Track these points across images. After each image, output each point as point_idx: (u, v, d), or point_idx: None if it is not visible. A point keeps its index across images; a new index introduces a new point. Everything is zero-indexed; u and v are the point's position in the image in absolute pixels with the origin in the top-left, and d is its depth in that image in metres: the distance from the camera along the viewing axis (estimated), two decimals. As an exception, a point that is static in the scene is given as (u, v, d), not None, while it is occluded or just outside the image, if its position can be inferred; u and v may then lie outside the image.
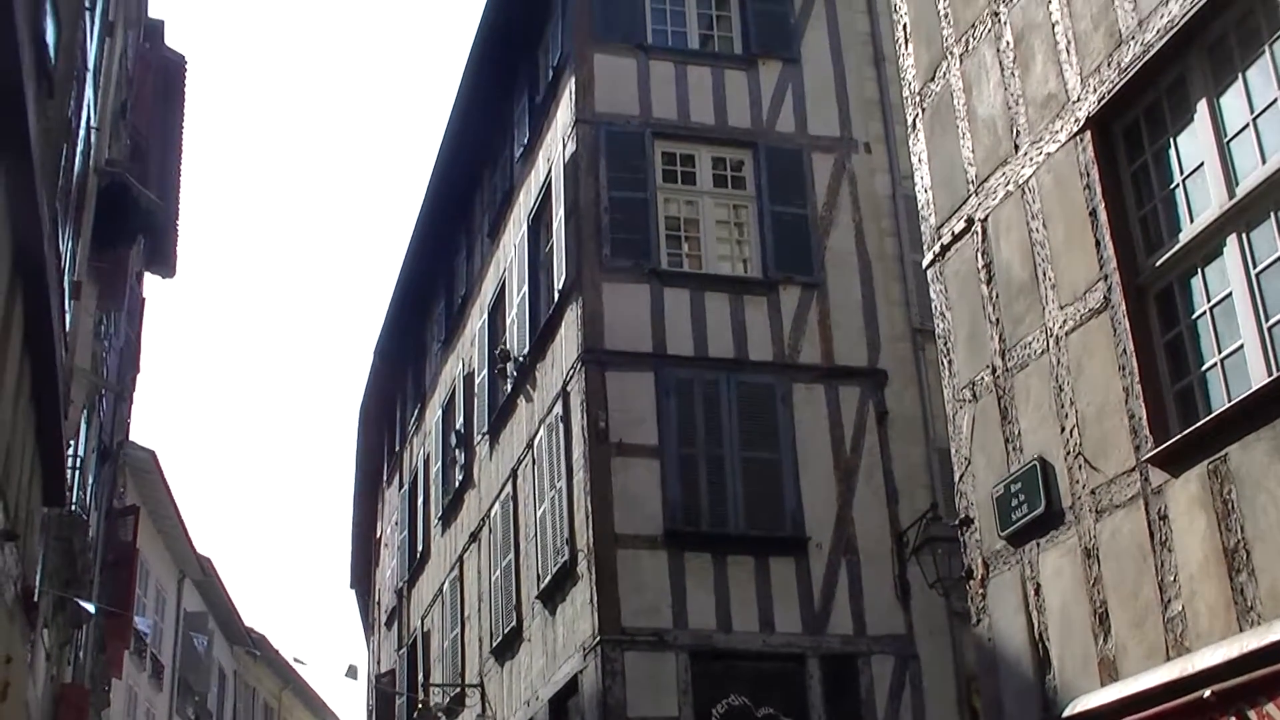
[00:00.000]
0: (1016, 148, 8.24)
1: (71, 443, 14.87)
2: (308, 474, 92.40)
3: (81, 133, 12.28)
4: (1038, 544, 7.76)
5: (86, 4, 11.00)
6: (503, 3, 18.93)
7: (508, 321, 19.07)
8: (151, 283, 25.66)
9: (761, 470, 15.25)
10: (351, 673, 22.48)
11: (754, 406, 15.49)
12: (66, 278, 12.04)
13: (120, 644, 23.87)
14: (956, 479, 8.72)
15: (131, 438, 27.20)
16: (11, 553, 11.30)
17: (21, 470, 11.50)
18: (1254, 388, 6.27)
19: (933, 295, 9.22)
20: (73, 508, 15.64)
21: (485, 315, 20.46)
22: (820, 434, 15.63)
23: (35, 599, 13.48)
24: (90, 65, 12.08)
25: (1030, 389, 7.94)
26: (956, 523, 8.77)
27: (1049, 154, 7.91)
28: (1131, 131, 7.49)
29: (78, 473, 16.29)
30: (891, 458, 15.79)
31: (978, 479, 8.42)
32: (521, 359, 17.91)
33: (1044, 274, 7.88)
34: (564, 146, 16.74)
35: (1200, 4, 6.70)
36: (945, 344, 9.00)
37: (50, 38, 8.90)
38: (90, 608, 17.63)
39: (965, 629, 13.06)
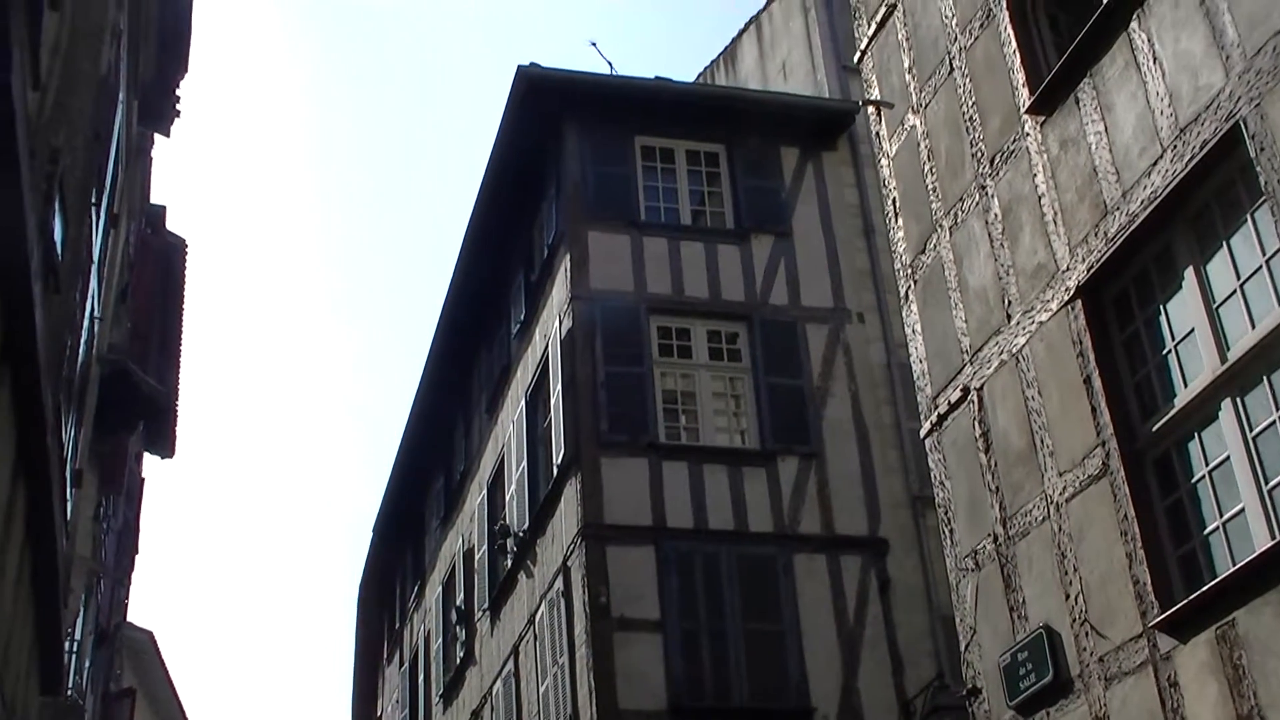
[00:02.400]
0: (1009, 317, 8.36)
1: (69, 629, 14.73)
2: (306, 653, 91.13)
3: (85, 323, 12.38)
4: (1048, 713, 7.69)
5: (93, 199, 11.19)
6: (498, 182, 19.26)
7: (507, 497, 19.05)
8: (150, 462, 25.63)
9: (765, 642, 15.11)
10: None
11: (755, 578, 15.41)
12: (68, 467, 12.05)
13: (114, 834, 23.38)
14: (962, 648, 8.67)
15: (129, 618, 26.96)
16: (8, 745, 11.14)
17: (19, 660, 11.38)
18: (1257, 551, 6.28)
19: (931, 464, 9.26)
20: (69, 693, 15.42)
21: (484, 491, 20.45)
22: (823, 604, 15.52)
23: (29, 792, 13.23)
24: (95, 257, 12.23)
25: (1033, 557, 7.94)
26: (964, 692, 8.70)
27: (1041, 323, 8.02)
28: (1122, 299, 7.62)
29: (74, 657, 16.09)
30: (895, 626, 15.66)
31: (984, 648, 8.38)
32: (521, 534, 17.86)
33: (1041, 441, 7.93)
34: (560, 323, 16.90)
35: (1182, 175, 6.87)
36: (945, 513, 9.01)
37: (58, 235, 9.03)
38: (84, 799, 17.27)
39: (978, 801, 12.83)
